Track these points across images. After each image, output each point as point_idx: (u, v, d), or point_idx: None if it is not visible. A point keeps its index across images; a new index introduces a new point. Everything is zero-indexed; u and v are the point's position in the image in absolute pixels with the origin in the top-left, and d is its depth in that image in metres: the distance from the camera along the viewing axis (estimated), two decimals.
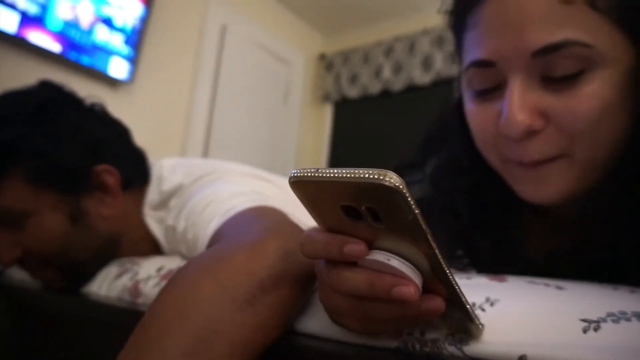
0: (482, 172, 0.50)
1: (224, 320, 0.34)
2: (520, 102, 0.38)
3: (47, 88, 0.69)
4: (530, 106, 0.38)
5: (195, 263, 0.39)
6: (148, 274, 0.59)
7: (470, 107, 0.45)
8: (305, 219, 0.73)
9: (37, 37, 1.72)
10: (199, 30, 2.51)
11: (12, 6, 1.67)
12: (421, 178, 0.59)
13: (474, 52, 0.42)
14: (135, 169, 0.73)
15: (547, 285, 0.35)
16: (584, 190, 0.41)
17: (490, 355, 0.30)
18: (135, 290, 0.58)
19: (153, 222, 0.71)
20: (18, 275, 0.80)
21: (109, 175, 0.67)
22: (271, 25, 2.99)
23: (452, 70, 2.64)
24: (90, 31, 1.93)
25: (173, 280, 0.38)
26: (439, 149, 0.58)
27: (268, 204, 0.55)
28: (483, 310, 0.33)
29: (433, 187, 0.57)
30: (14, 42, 1.69)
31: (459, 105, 0.52)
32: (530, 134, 0.39)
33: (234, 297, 0.35)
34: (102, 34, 1.97)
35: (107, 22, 1.98)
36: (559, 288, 0.34)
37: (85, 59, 1.89)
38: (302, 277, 0.39)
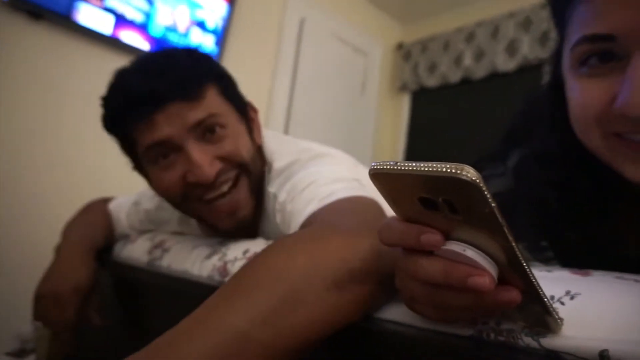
0: (574, 162, 0.48)
1: (311, 294, 0.36)
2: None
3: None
4: None
5: (292, 237, 0.42)
6: (235, 256, 0.64)
7: (575, 85, 0.43)
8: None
9: (129, 36, 1.89)
10: (279, 25, 2.59)
11: (122, 16, 1.86)
12: (503, 171, 0.57)
13: (588, 26, 0.39)
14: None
15: (637, 281, 0.33)
16: None
17: (569, 348, 0.29)
18: (223, 270, 0.63)
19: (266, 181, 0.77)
20: (124, 253, 0.90)
21: (253, 111, 0.79)
22: (348, 16, 2.99)
23: (541, 54, 2.47)
24: (186, 34, 2.09)
25: (269, 249, 0.40)
26: (524, 140, 0.56)
27: (365, 195, 0.57)
28: (562, 303, 0.32)
29: (517, 179, 0.55)
30: (109, 42, 1.86)
31: (553, 90, 0.49)
32: None
33: (324, 275, 0.37)
34: (196, 37, 2.12)
35: (201, 25, 2.14)
36: None
37: None
38: (391, 278, 0.41)
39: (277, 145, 0.78)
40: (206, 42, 2.16)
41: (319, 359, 0.41)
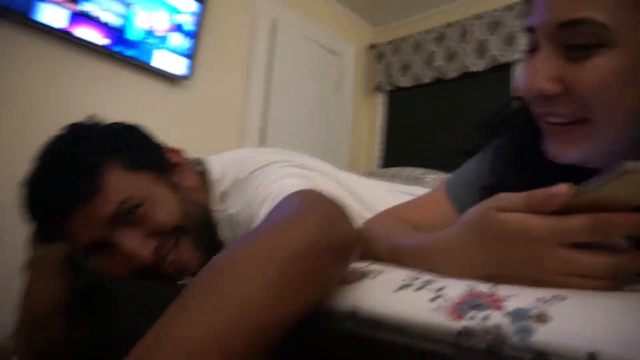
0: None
1: (253, 294, 0.35)
2: (537, 68, 0.42)
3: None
4: (548, 73, 0.42)
5: (237, 241, 0.41)
6: None
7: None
8: (360, 209, 0.73)
9: (84, 32, 1.81)
10: (251, 25, 2.57)
11: (97, 20, 1.81)
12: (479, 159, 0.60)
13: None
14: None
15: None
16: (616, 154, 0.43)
17: (557, 348, 0.29)
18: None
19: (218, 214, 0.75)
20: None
21: (174, 153, 0.76)
22: (321, 17, 2.99)
23: (509, 54, 2.53)
24: (164, 38, 2.06)
25: (217, 256, 0.39)
26: (499, 132, 0.58)
27: (315, 187, 0.56)
28: (551, 304, 0.32)
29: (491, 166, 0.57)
30: (64, 37, 1.78)
31: None
32: (549, 98, 0.43)
33: (276, 265, 0.36)
34: (175, 40, 2.09)
35: (179, 28, 2.11)
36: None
37: (131, 52, 1.96)
38: (340, 248, 0.41)
39: (229, 168, 0.75)
40: (185, 45, 2.13)
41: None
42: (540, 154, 0.49)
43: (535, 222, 0.34)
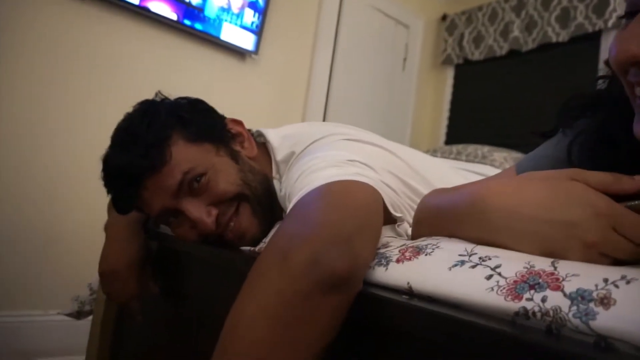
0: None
1: (265, 343, 0.38)
2: (633, 31, 0.38)
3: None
4: None
5: (247, 277, 0.44)
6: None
7: None
8: (421, 187, 0.73)
9: (157, 6, 1.88)
10: None
11: None
12: (556, 142, 0.56)
13: None
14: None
15: None
16: None
17: (622, 334, 0.28)
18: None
19: (276, 183, 0.78)
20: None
21: (235, 124, 0.80)
22: None
23: (599, 22, 2.30)
24: (239, 15, 2.11)
25: (233, 307, 0.42)
26: (584, 114, 0.54)
27: (350, 177, 0.54)
28: (616, 286, 0.30)
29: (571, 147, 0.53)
30: (138, 12, 1.87)
31: None
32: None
33: (268, 316, 0.39)
34: (248, 17, 2.15)
35: (253, 5, 2.16)
36: None
37: (200, 26, 2.03)
38: (331, 281, 0.40)
39: (286, 139, 0.78)
40: (255, 21, 2.18)
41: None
42: (626, 141, 0.46)
43: (606, 200, 0.35)
